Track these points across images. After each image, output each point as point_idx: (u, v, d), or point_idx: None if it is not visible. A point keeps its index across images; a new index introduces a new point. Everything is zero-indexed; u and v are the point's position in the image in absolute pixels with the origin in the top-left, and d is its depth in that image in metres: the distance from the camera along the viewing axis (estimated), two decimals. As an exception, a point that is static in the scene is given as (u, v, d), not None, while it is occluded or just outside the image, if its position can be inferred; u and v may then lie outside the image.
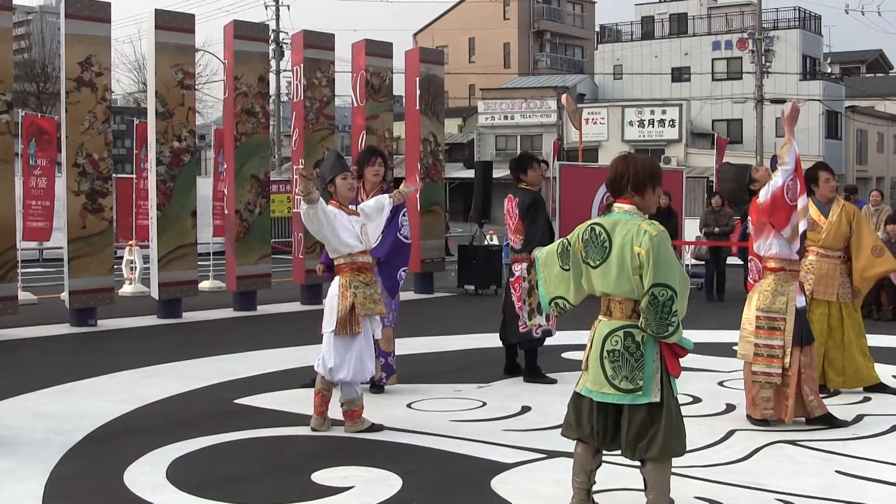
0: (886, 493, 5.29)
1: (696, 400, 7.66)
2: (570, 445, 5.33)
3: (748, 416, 6.87)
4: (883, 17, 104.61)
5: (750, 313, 6.94)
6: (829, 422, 6.78)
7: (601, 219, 4.67)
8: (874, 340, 9.91)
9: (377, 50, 15.66)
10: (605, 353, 4.57)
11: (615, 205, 4.67)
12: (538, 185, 8.73)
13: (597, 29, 60.49)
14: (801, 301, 6.91)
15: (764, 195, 6.76)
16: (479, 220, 17.08)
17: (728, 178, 7.06)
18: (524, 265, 8.35)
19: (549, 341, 8.58)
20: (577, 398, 4.75)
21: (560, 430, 4.93)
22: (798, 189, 6.76)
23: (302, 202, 6.40)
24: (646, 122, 47.61)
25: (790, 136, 6.74)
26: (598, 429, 4.64)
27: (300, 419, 6.92)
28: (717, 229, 15.98)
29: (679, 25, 53.29)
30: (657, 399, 4.53)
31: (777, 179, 6.70)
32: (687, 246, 17.86)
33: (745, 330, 6.95)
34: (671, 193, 16.92)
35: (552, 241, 8.25)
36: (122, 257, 16.55)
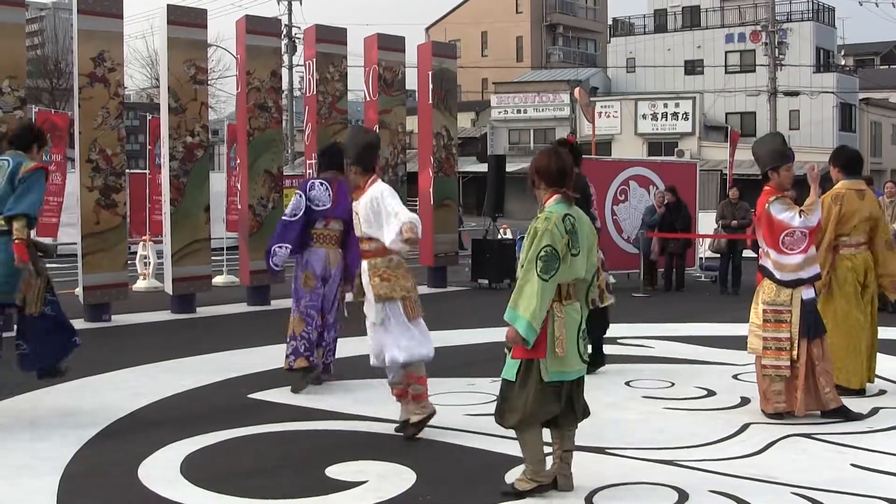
0: (903, 486, 5.25)
1: (711, 393, 7.63)
2: (582, 439, 5.33)
3: (762, 411, 6.84)
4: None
5: (757, 308, 6.93)
6: (845, 415, 6.75)
7: (567, 210, 4.93)
8: (889, 333, 9.85)
9: (389, 44, 15.67)
10: (580, 335, 4.96)
11: (564, 195, 4.96)
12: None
13: (609, 22, 60.37)
14: (808, 293, 6.86)
15: (777, 212, 6.75)
16: (493, 214, 17.06)
17: (767, 146, 6.94)
18: None
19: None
20: (542, 387, 4.88)
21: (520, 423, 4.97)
22: (804, 244, 6.76)
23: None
24: (659, 116, 47.51)
25: (816, 195, 6.82)
26: (564, 407, 4.94)
27: (314, 413, 6.94)
28: (734, 222, 15.87)
29: (692, 18, 53.10)
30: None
31: (794, 219, 6.69)
32: (702, 239, 17.78)
33: (754, 324, 6.95)
34: (683, 187, 16.84)
35: None
36: (135, 253, 16.59)
